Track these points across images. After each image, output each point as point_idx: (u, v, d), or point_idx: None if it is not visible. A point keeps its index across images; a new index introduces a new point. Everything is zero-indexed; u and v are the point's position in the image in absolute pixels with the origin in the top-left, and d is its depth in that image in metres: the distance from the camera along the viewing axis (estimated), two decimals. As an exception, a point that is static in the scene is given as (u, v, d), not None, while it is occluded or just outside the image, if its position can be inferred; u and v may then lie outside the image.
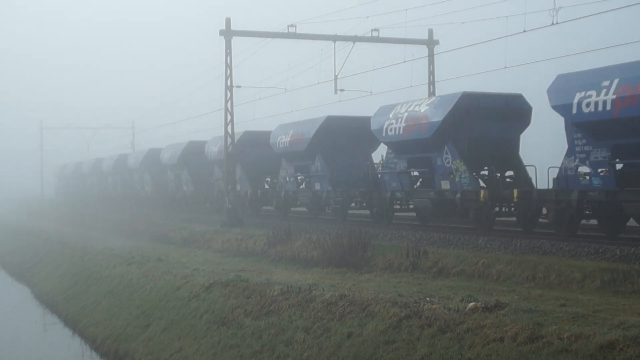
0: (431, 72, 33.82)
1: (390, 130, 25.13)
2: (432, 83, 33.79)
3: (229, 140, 32.42)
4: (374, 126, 26.37)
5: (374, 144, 29.69)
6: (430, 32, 34.06)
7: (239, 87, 33.37)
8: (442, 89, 33.86)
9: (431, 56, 33.84)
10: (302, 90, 34.47)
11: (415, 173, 25.43)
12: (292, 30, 31.77)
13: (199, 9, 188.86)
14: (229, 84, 32.03)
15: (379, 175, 27.00)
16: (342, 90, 32.22)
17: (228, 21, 31.61)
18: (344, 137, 29.86)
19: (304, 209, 33.77)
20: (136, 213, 45.67)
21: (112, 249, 28.00)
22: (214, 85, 54.62)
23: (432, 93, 33.57)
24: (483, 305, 11.43)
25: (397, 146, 25.33)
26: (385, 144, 26.31)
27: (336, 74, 31.97)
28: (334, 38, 32.02)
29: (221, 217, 32.61)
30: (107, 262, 25.18)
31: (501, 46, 25.11)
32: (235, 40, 31.92)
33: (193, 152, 42.92)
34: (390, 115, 25.31)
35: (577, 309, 11.40)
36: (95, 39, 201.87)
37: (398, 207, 26.55)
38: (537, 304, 12.06)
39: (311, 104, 37.12)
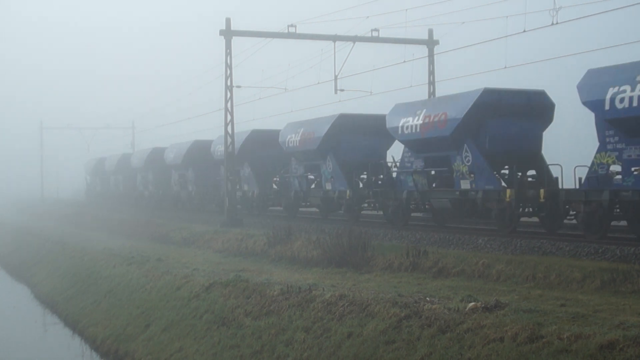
0: (431, 72, 33.82)
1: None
2: (432, 83, 33.80)
3: (229, 140, 32.47)
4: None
5: None
6: (430, 32, 34.06)
7: (239, 87, 33.41)
8: (442, 89, 33.89)
9: (431, 56, 33.84)
10: (302, 90, 34.52)
11: None
12: (292, 30, 31.78)
13: (199, 9, 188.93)
14: (229, 84, 32.02)
15: None
16: (342, 90, 32.26)
17: (228, 21, 31.62)
18: None
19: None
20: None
21: (112, 249, 28.00)
22: (214, 85, 54.64)
23: (432, 93, 33.59)
24: (483, 305, 11.43)
25: None
26: None
27: (336, 74, 31.99)
28: (334, 38, 32.02)
29: (221, 217, 32.63)
30: (107, 262, 25.19)
31: (501, 46, 25.11)
32: (235, 40, 31.93)
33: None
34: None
35: (577, 309, 11.40)
36: (95, 40, 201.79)
37: None
38: (537, 304, 12.05)
39: (311, 104, 37.17)
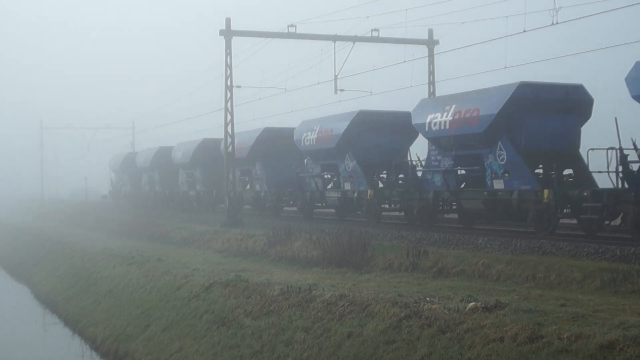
0: (431, 72, 33.81)
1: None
2: (432, 83, 33.79)
3: (229, 140, 32.44)
4: None
5: None
6: (430, 32, 34.05)
7: (239, 87, 33.42)
8: (442, 89, 33.89)
9: (431, 56, 33.83)
10: (302, 90, 34.49)
11: None
12: (292, 30, 31.78)
13: (199, 10, 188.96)
14: (229, 84, 32.04)
15: None
16: (342, 90, 32.23)
17: (228, 21, 31.63)
18: None
19: None
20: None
21: (112, 249, 28.01)
22: (214, 85, 54.64)
23: (432, 93, 33.58)
24: (483, 305, 11.43)
25: None
26: None
27: (336, 74, 31.98)
28: (334, 38, 32.02)
29: (221, 217, 32.63)
30: (107, 262, 25.19)
31: (501, 46, 25.08)
32: (235, 40, 31.94)
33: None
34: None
35: (577, 309, 11.40)
36: (95, 40, 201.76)
37: None
38: (537, 304, 12.05)
39: (311, 104, 37.16)
